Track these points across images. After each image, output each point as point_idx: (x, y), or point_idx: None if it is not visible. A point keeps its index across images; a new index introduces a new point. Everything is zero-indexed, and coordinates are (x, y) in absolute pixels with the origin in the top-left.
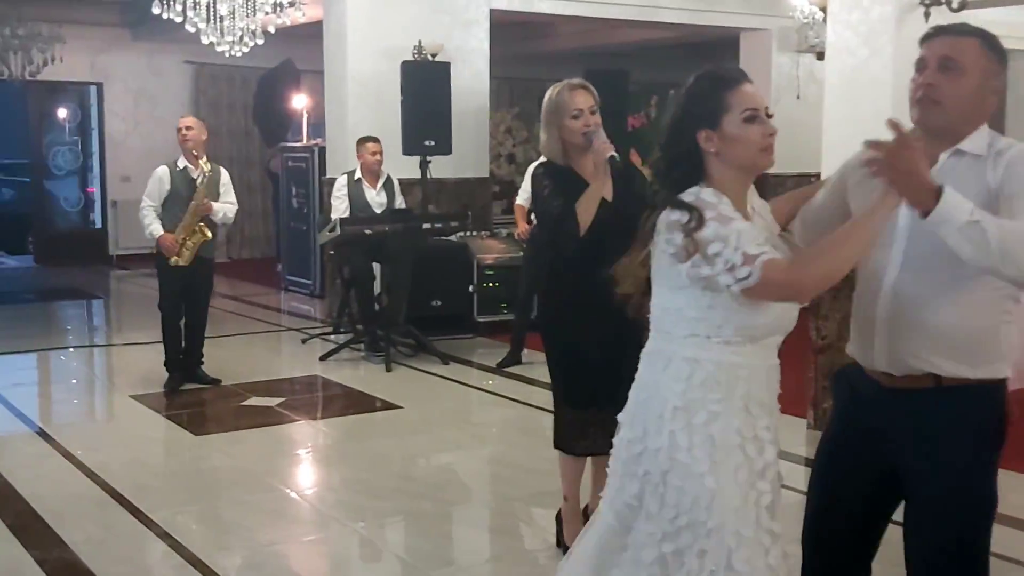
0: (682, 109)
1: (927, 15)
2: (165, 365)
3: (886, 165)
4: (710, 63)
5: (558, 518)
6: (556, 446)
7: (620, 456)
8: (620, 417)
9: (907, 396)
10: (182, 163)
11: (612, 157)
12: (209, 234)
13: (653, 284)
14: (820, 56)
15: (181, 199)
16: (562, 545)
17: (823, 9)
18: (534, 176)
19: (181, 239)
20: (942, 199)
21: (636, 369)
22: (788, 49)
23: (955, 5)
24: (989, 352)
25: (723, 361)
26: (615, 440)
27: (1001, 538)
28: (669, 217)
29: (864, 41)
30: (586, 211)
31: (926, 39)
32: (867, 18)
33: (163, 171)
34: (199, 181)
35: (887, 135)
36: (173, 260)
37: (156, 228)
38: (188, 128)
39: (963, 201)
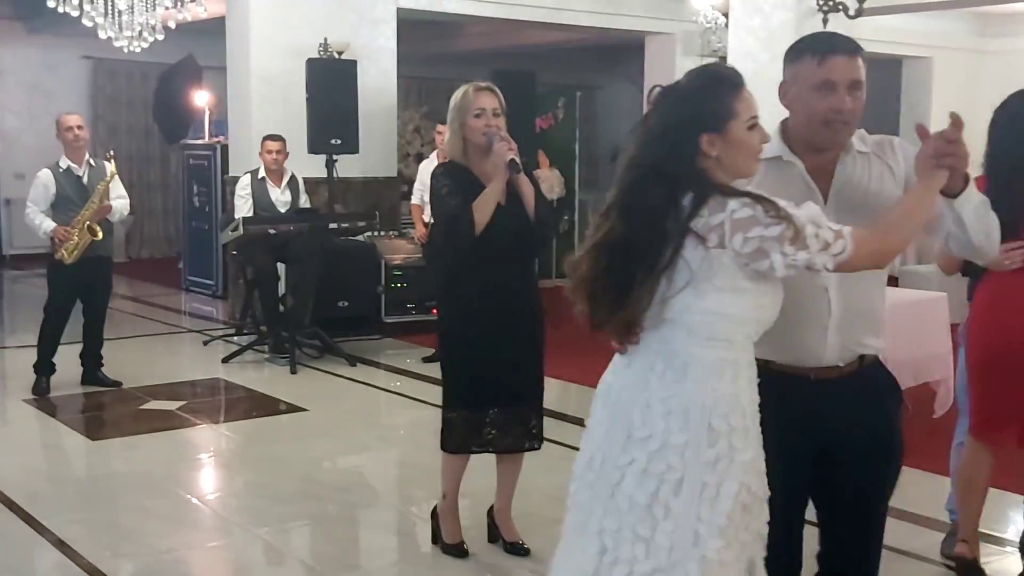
0: (687, 111)
1: (825, 21)
2: (35, 367)
3: (949, 152)
4: (617, 66)
5: (434, 515)
6: (447, 449)
7: (699, 477)
8: (676, 442)
9: (834, 381)
10: (64, 163)
11: (512, 160)
12: (100, 234)
13: (691, 292)
14: (723, 60)
15: (70, 201)
16: (439, 542)
17: (726, 14)
18: (433, 175)
19: (75, 233)
20: (969, 182)
21: (535, 367)
22: (692, 53)
23: (852, 12)
24: (883, 325)
25: (754, 361)
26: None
27: (898, 532)
28: (734, 215)
29: (765, 46)
30: (482, 211)
31: (827, 58)
32: (768, 24)
33: (47, 175)
34: (84, 180)
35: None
36: (59, 255)
37: (47, 223)
38: (80, 127)
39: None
